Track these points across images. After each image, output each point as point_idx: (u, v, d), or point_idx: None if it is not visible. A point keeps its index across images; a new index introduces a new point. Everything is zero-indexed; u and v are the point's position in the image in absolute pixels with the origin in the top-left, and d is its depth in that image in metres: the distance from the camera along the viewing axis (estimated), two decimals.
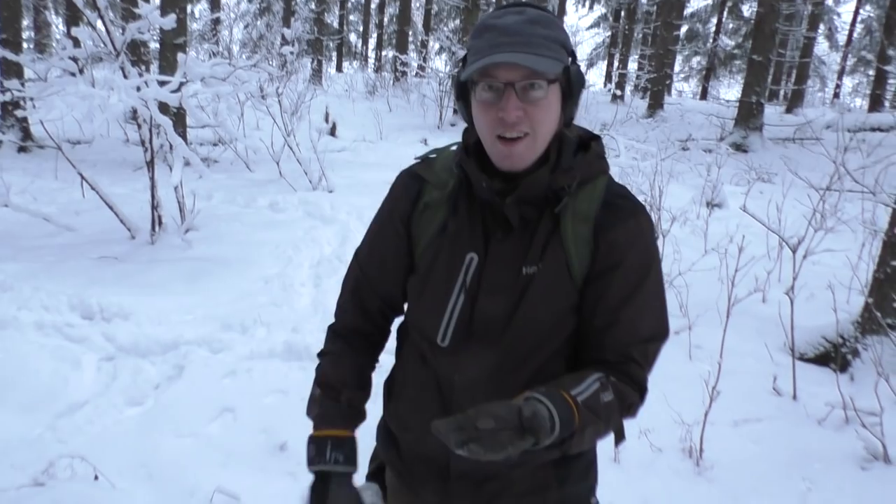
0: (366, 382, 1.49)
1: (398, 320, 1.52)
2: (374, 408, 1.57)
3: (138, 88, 5.01)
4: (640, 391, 1.29)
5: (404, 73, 19.11)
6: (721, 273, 4.80)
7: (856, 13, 27.00)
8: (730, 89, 34.34)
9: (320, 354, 1.50)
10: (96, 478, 2.93)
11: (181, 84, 5.22)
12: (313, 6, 23.09)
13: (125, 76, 5.25)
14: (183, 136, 9.34)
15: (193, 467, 3.05)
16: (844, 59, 28.60)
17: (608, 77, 27.29)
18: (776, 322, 4.30)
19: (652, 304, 1.29)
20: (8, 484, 2.82)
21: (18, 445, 3.13)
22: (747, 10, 29.08)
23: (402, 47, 21.11)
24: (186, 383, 3.70)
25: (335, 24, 30.80)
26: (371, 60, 32.49)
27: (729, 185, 9.01)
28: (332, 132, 11.84)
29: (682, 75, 37.34)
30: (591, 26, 37.48)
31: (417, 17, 27.69)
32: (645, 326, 1.28)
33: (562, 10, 29.10)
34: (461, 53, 13.68)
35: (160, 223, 5.80)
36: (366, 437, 1.59)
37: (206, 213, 6.51)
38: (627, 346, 1.27)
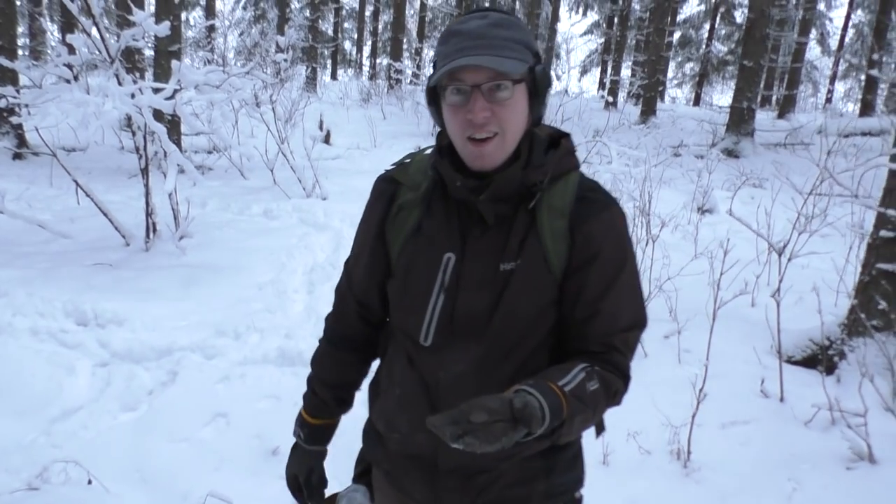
0: (344, 383, 1.59)
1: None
2: (361, 411, 1.62)
3: (133, 95, 5.05)
4: (624, 378, 1.33)
5: (398, 81, 19.17)
6: (710, 277, 4.86)
7: (847, 18, 27.19)
8: (723, 95, 34.53)
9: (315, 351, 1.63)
10: (90, 482, 2.96)
11: (175, 91, 5.25)
12: (308, 14, 23.16)
13: (119, 83, 5.28)
14: (178, 143, 9.37)
15: (186, 472, 3.09)
16: (836, 64, 28.77)
17: (601, 84, 27.40)
18: (765, 325, 4.35)
19: (630, 293, 1.34)
20: (2, 488, 2.85)
21: (13, 450, 3.16)
22: (740, 15, 29.24)
23: (396, 55, 21.18)
24: (180, 389, 3.72)
25: (330, 32, 30.89)
26: (366, 68, 32.57)
27: (720, 190, 9.06)
28: (327, 140, 11.87)
29: (676, 81, 37.47)
30: (585, 33, 37.69)
31: (412, 25, 27.78)
32: (624, 316, 1.33)
33: (555, 17, 29.26)
34: None
35: (154, 230, 5.83)
36: (353, 442, 1.64)
37: (200, 221, 6.54)
38: (609, 335, 1.31)
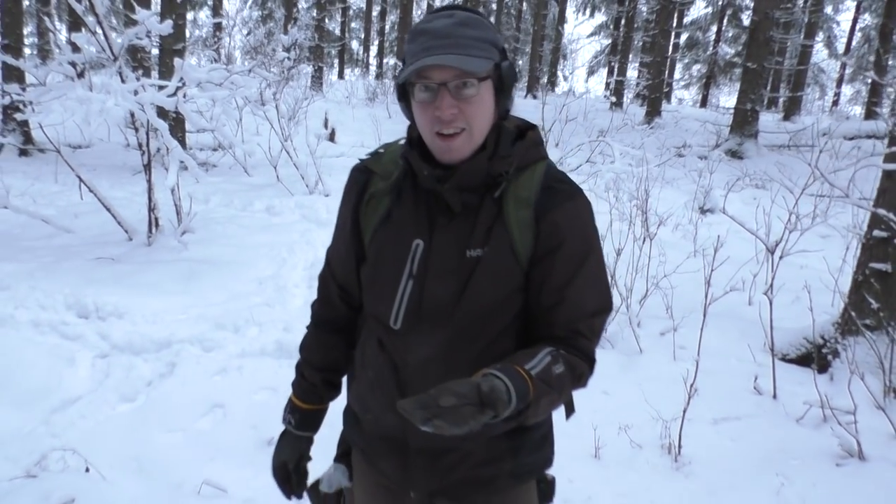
0: (332, 366, 1.62)
1: None
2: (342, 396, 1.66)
3: (136, 93, 5.10)
4: (590, 362, 1.37)
5: None
6: (707, 275, 4.88)
7: (854, 21, 27.10)
8: (730, 97, 34.39)
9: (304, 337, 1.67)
10: (87, 470, 2.99)
11: (177, 88, 5.30)
12: (315, 13, 23.22)
13: (123, 81, 5.34)
14: (182, 140, 9.46)
15: (182, 461, 3.12)
16: (843, 67, 28.68)
17: (608, 85, 27.38)
18: (760, 324, 4.37)
19: (595, 280, 1.37)
20: (1, 475, 2.90)
21: (13, 439, 3.20)
22: (747, 18, 29.12)
23: (402, 54, 21.19)
24: (178, 380, 3.77)
25: (337, 32, 30.96)
26: (372, 67, 32.65)
27: (722, 190, 9.07)
28: (331, 138, 11.93)
29: (683, 83, 37.40)
30: (592, 34, 37.66)
31: None
32: (590, 302, 1.36)
33: (561, 18, 29.29)
34: None
35: (157, 225, 5.88)
36: (336, 424, 1.68)
37: (203, 216, 6.60)
38: (575, 321, 1.34)
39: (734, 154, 12.16)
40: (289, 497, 1.66)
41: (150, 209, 5.79)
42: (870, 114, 16.67)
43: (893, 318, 3.80)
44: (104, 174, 8.73)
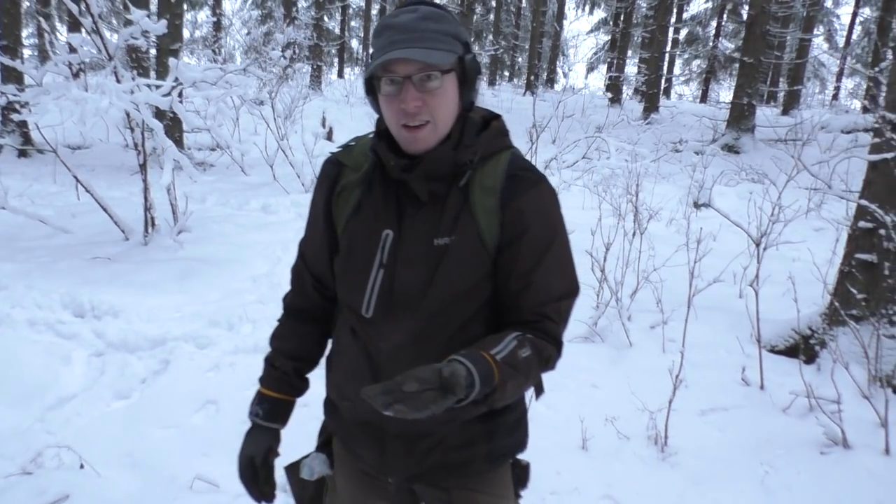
0: (305, 355, 1.64)
1: None
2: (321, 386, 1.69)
3: (132, 92, 5.15)
4: (557, 345, 1.40)
5: None
6: (697, 269, 4.91)
7: (854, 16, 27.06)
8: (729, 92, 34.29)
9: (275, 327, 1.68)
10: (82, 466, 3.03)
11: (173, 88, 5.34)
12: (314, 12, 23.25)
13: (118, 81, 5.39)
14: (180, 140, 9.51)
15: (176, 456, 3.16)
16: (843, 61, 28.63)
17: (608, 80, 27.40)
18: (749, 316, 4.40)
19: (561, 265, 1.40)
20: None
21: (9, 436, 3.25)
22: (746, 13, 29.11)
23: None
24: (172, 377, 3.82)
25: (336, 31, 30.99)
26: None
27: (718, 185, 9.09)
28: (329, 137, 11.97)
29: (683, 78, 37.41)
30: (592, 30, 37.67)
31: None
32: (556, 286, 1.39)
33: (561, 14, 29.28)
34: None
35: (153, 225, 5.93)
36: (319, 414, 1.71)
37: (199, 215, 6.65)
38: (542, 305, 1.37)
39: (731, 149, 12.18)
40: (258, 498, 1.62)
41: (147, 209, 5.83)
42: (867, 107, 16.66)
43: (879, 308, 3.83)
44: (103, 174, 8.78)
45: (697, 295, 4.59)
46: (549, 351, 1.37)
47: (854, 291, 3.80)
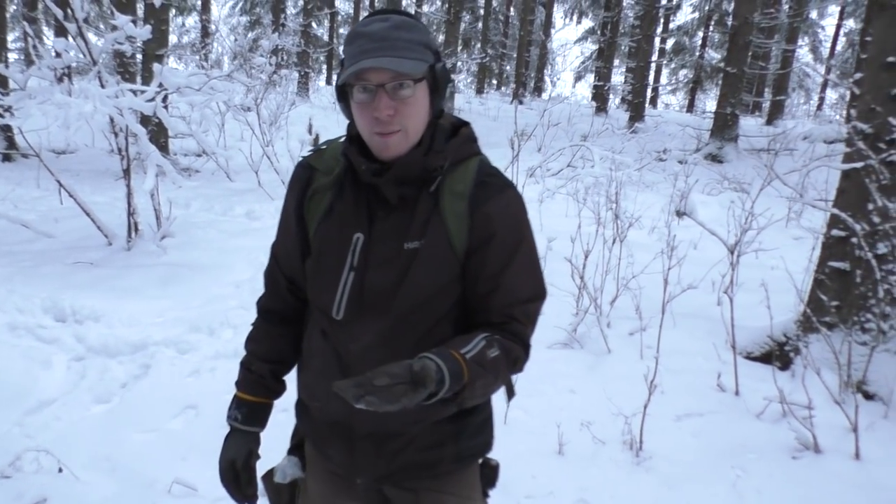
0: (280, 358, 1.66)
1: None
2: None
3: (116, 97, 5.16)
4: (525, 346, 1.44)
5: None
6: (677, 277, 4.97)
7: (838, 27, 27.45)
8: (716, 101, 34.59)
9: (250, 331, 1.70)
10: (60, 470, 3.04)
11: (157, 93, 5.36)
12: (302, 19, 23.28)
13: (102, 85, 5.40)
14: (165, 145, 9.50)
15: (155, 460, 3.17)
16: (827, 72, 28.96)
17: (595, 90, 27.58)
18: (726, 323, 4.46)
19: (528, 269, 1.44)
20: None
21: None
22: (730, 23, 29.34)
23: None
24: (152, 382, 3.83)
25: (325, 37, 31.02)
26: None
27: (700, 193, 9.19)
28: (315, 143, 11.99)
29: (670, 88, 37.68)
30: (580, 39, 37.89)
31: None
32: (524, 289, 1.43)
33: (548, 23, 29.45)
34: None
35: (136, 230, 5.93)
36: (291, 417, 1.74)
37: (183, 221, 6.65)
38: (510, 307, 1.41)
39: (714, 158, 12.31)
40: (241, 501, 1.64)
41: (130, 214, 5.84)
42: (849, 118, 16.85)
43: (851, 315, 3.89)
44: (87, 179, 8.77)
45: (676, 303, 4.65)
46: (517, 352, 1.41)
47: (827, 299, 3.86)
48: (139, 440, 3.33)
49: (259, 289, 5.12)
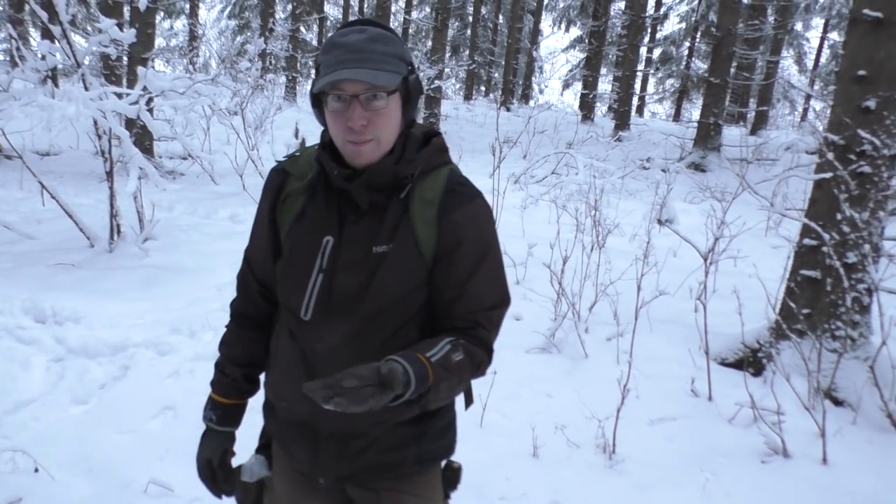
0: (252, 360, 1.70)
1: None
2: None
3: (100, 99, 5.17)
4: (488, 351, 1.49)
5: None
6: (656, 283, 5.04)
7: (822, 40, 27.75)
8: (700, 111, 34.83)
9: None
10: (36, 470, 3.04)
11: (140, 96, 5.38)
12: (291, 24, 23.32)
13: (86, 88, 5.41)
14: (150, 148, 9.49)
15: (132, 461, 3.18)
16: (811, 83, 29.28)
17: (582, 98, 27.73)
18: (703, 329, 4.53)
19: (493, 276, 1.49)
20: None
21: None
22: (713, 34, 29.59)
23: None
24: (131, 383, 3.84)
25: (314, 42, 31.03)
26: None
27: (681, 202, 9.28)
28: (301, 147, 12.00)
29: (657, 97, 37.94)
30: (568, 48, 38.10)
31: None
32: (489, 296, 1.48)
33: (536, 32, 29.61)
34: (430, 73, 13.94)
35: (119, 232, 5.93)
36: (258, 417, 1.77)
37: (166, 224, 6.66)
38: (474, 313, 1.46)
39: (697, 167, 12.44)
40: (218, 495, 1.71)
41: (112, 216, 5.84)
42: None
43: (822, 323, 3.97)
44: (71, 181, 8.74)
45: (654, 309, 4.72)
46: (480, 356, 1.45)
47: (799, 306, 3.94)
48: (117, 441, 3.34)
49: None
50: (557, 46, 47.99)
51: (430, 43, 33.50)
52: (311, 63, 30.85)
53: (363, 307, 1.42)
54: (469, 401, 1.60)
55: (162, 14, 27.42)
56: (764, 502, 3.06)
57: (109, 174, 5.74)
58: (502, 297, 1.51)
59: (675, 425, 3.68)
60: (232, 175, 9.08)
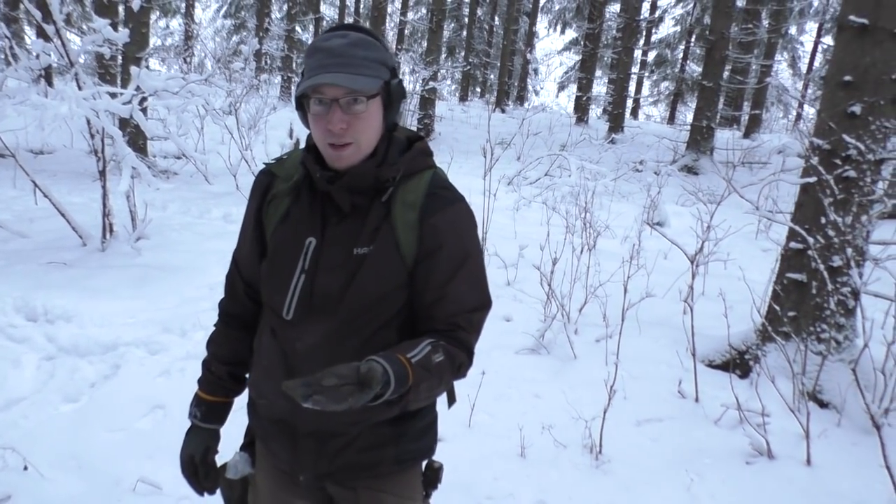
0: (238, 359, 1.72)
1: None
2: None
3: (93, 98, 5.18)
4: (468, 353, 1.50)
5: None
6: (645, 285, 5.08)
7: (815, 44, 27.87)
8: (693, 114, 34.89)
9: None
10: (26, 468, 3.05)
11: (133, 96, 5.39)
12: (286, 24, 23.31)
13: (80, 87, 5.42)
14: (144, 147, 9.49)
15: (121, 459, 3.20)
16: (805, 87, 29.39)
17: (577, 100, 27.80)
18: (692, 331, 4.56)
19: (474, 280, 1.51)
20: None
21: None
22: (706, 38, 29.68)
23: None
24: (121, 382, 3.86)
25: (309, 42, 30.99)
26: None
27: (673, 204, 9.33)
28: (296, 147, 12.03)
29: (652, 100, 38.03)
30: (563, 50, 38.17)
31: (391, 36, 27.97)
32: (469, 299, 1.50)
33: (531, 33, 29.66)
34: (425, 74, 13.97)
35: (111, 231, 5.94)
36: (245, 416, 1.79)
37: (159, 223, 6.67)
38: (455, 315, 1.48)
39: (690, 170, 12.50)
40: (200, 492, 1.73)
41: (105, 215, 5.85)
42: None
43: (807, 325, 4.01)
44: (64, 180, 8.74)
45: (643, 311, 4.76)
46: (460, 358, 1.47)
47: (785, 309, 3.97)
48: (106, 439, 3.36)
49: None
50: (553, 48, 48.09)
51: (425, 44, 33.60)
52: None
53: (342, 308, 1.44)
54: (452, 401, 1.63)
55: (158, 13, 27.41)
56: (748, 503, 3.10)
57: (102, 173, 5.75)
58: (483, 300, 1.53)
59: (662, 426, 3.72)
60: (226, 175, 9.09)
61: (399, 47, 23.92)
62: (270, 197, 1.56)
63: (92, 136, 5.71)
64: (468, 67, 26.87)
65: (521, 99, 30.54)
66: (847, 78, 3.86)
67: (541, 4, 32.09)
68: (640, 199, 9.88)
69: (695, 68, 32.33)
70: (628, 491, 3.16)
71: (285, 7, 25.47)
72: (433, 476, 1.69)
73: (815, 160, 3.84)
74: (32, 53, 5.49)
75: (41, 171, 8.00)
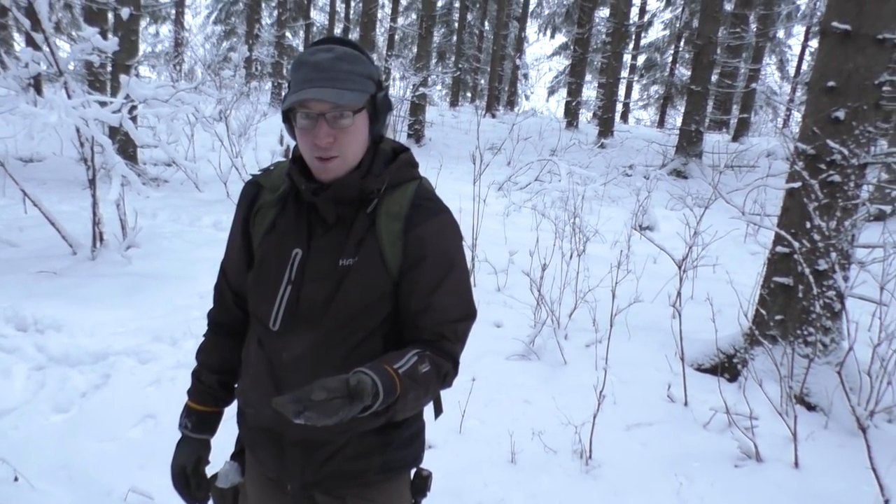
0: (228, 368, 1.74)
1: None
2: None
3: (82, 107, 5.18)
4: (454, 363, 1.52)
5: None
6: (635, 290, 5.10)
7: (803, 48, 28.08)
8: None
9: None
10: (16, 479, 3.05)
11: (123, 104, 5.39)
12: (276, 30, 23.32)
13: (69, 96, 5.42)
14: (133, 155, 9.48)
15: (112, 469, 3.19)
16: (793, 90, 29.59)
17: (567, 105, 27.88)
18: (680, 336, 4.59)
19: (458, 290, 1.53)
20: None
21: None
22: (694, 42, 29.83)
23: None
24: (112, 391, 3.85)
25: (300, 48, 31.02)
26: None
27: (662, 209, 9.37)
28: (286, 154, 12.02)
29: (641, 104, 38.17)
30: (553, 55, 38.30)
31: (382, 43, 28.00)
32: (454, 309, 1.51)
33: (521, 39, 29.75)
34: (415, 80, 14.00)
35: (101, 239, 5.93)
36: (233, 424, 1.80)
37: (149, 231, 6.66)
38: (440, 325, 1.49)
39: (679, 174, 12.56)
40: (191, 503, 1.74)
41: (95, 223, 5.84)
42: None
43: (794, 329, 4.05)
44: (54, 188, 8.72)
45: (633, 315, 4.78)
46: (446, 367, 1.49)
47: (771, 313, 4.01)
48: (97, 449, 3.35)
49: None
50: (543, 53, 48.24)
51: (415, 49, 33.63)
52: None
53: (328, 318, 1.46)
54: (438, 410, 1.64)
55: (147, 20, 27.36)
56: None
57: (92, 182, 5.75)
58: (467, 310, 1.55)
59: (651, 430, 3.74)
60: (216, 182, 9.09)
61: (389, 53, 23.91)
62: (257, 208, 1.57)
63: (81, 145, 5.71)
64: (458, 73, 26.90)
65: (511, 104, 30.64)
66: (831, 83, 3.90)
67: (530, 9, 32.21)
68: (629, 203, 9.92)
69: (684, 72, 32.46)
70: (618, 495, 3.18)
71: (275, 13, 25.48)
72: (422, 484, 1.70)
73: (799, 165, 3.88)
74: (21, 62, 5.49)
75: (31, 180, 7.97)
